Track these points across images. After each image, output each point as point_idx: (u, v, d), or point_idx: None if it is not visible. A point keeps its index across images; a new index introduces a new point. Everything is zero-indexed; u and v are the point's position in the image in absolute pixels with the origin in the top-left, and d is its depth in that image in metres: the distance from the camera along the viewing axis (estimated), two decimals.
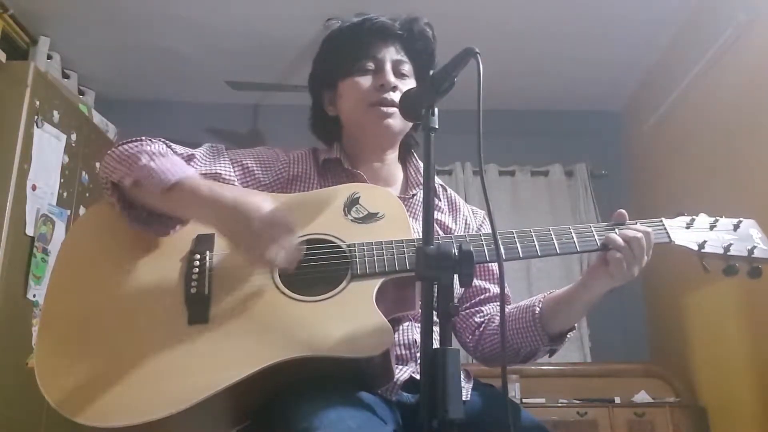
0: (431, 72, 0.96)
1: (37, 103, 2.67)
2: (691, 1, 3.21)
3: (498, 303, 1.28)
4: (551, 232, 1.11)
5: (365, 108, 1.24)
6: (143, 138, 1.15)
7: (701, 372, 3.33)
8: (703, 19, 3.21)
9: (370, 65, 1.26)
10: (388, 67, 1.25)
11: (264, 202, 1.00)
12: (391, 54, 1.27)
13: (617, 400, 3.24)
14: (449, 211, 1.34)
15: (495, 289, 1.28)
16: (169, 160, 1.07)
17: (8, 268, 2.44)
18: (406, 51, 1.29)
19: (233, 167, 1.21)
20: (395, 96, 1.23)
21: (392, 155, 1.32)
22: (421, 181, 1.29)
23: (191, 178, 1.05)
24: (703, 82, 3.20)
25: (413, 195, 1.29)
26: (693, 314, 3.38)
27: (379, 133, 1.26)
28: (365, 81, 1.25)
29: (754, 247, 1.10)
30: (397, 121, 1.24)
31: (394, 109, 1.21)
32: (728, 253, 1.10)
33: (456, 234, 1.30)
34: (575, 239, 1.10)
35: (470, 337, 1.26)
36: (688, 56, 3.28)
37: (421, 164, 1.33)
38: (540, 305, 1.18)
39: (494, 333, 1.22)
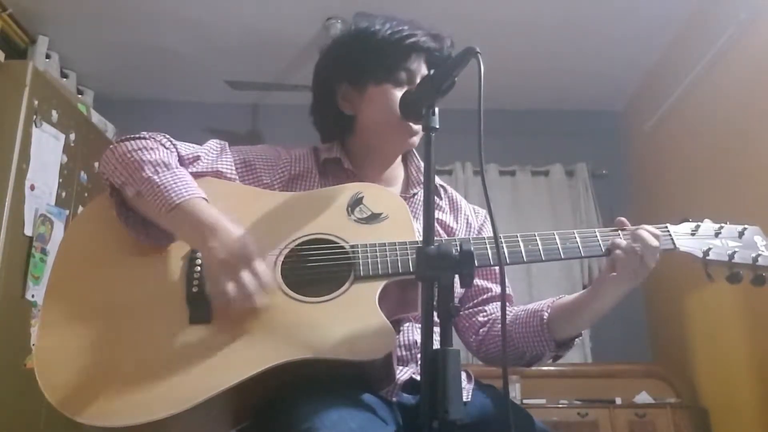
0: (431, 71, 0.95)
1: (36, 102, 2.66)
2: (692, 1, 3.20)
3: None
4: (555, 236, 1.10)
5: (398, 121, 1.19)
6: (146, 135, 1.13)
7: (703, 372, 3.32)
8: (704, 19, 3.20)
9: (403, 76, 1.23)
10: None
11: (235, 233, 0.99)
12: (422, 70, 1.25)
13: (618, 400, 3.24)
14: (450, 211, 1.34)
15: (497, 288, 1.28)
16: (173, 174, 1.06)
17: (6, 269, 2.42)
18: (426, 64, 1.27)
19: (235, 164, 1.21)
20: None
21: (398, 159, 1.32)
22: (422, 180, 1.29)
23: (193, 202, 1.03)
24: (704, 82, 3.19)
25: (414, 194, 1.29)
26: (694, 314, 3.37)
27: (400, 147, 1.28)
28: (400, 94, 1.21)
29: (759, 254, 1.09)
30: (419, 138, 1.25)
31: (420, 127, 1.22)
32: (732, 261, 1.09)
33: (458, 233, 1.30)
34: (579, 244, 1.10)
35: (473, 336, 1.26)
36: (689, 56, 3.28)
37: (422, 163, 1.33)
38: (548, 311, 1.17)
39: (499, 335, 1.20)
